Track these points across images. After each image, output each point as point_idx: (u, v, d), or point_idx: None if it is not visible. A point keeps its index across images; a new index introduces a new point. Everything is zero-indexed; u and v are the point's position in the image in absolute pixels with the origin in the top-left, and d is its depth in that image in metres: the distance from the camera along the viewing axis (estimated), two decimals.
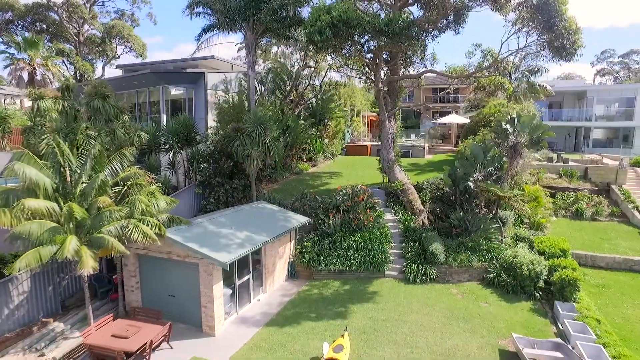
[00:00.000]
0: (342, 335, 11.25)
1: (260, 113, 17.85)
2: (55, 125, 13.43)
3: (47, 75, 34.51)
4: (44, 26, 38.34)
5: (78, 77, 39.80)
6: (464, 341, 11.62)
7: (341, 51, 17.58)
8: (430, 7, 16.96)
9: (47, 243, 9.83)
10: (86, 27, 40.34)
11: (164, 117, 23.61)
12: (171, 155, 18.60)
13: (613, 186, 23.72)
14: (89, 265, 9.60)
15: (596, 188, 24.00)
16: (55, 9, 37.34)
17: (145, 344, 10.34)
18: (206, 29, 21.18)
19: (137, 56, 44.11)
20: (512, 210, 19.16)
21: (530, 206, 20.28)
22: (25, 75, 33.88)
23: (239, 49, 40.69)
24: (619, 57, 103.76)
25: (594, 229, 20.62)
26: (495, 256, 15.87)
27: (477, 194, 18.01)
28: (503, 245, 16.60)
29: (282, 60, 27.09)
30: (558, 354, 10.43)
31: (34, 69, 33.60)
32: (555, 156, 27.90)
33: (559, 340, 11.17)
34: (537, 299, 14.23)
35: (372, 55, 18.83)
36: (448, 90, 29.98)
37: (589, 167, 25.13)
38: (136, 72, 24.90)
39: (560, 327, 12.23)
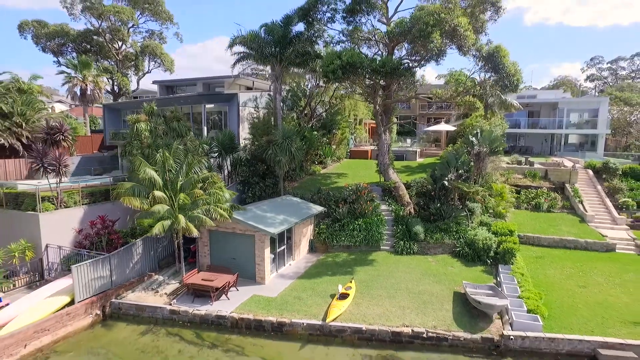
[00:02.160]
0: (350, 281, 17.10)
1: (287, 128, 23.71)
2: (149, 141, 19.33)
3: (96, 91, 40.59)
4: (89, 46, 44.30)
5: (117, 91, 45.75)
6: (431, 287, 17.42)
7: (347, 81, 23.40)
8: (415, 49, 22.71)
9: (166, 218, 15.69)
10: (124, 46, 46.27)
11: (205, 130, 29.44)
12: (220, 160, 24.45)
13: (567, 185, 29.38)
14: (194, 232, 15.50)
15: (554, 186, 29.71)
16: (101, 32, 43.38)
17: (225, 284, 16.20)
18: (240, 59, 27.10)
19: (164, 70, 50.06)
20: (479, 202, 24.89)
21: (496, 200, 26.01)
22: (78, 91, 39.98)
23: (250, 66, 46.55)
24: (607, 63, 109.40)
25: (546, 218, 26.32)
26: (462, 235, 21.62)
27: (451, 190, 23.79)
28: (469, 228, 22.35)
29: (297, 80, 32.76)
30: (490, 292, 16.21)
31: (86, 85, 39.62)
32: (523, 159, 33.57)
33: (492, 284, 16.96)
34: (488, 264, 20.00)
35: (371, 83, 24.62)
36: (433, 105, 35.56)
37: (549, 169, 30.86)
38: (185, 94, 30.75)
39: (498, 279, 18.01)
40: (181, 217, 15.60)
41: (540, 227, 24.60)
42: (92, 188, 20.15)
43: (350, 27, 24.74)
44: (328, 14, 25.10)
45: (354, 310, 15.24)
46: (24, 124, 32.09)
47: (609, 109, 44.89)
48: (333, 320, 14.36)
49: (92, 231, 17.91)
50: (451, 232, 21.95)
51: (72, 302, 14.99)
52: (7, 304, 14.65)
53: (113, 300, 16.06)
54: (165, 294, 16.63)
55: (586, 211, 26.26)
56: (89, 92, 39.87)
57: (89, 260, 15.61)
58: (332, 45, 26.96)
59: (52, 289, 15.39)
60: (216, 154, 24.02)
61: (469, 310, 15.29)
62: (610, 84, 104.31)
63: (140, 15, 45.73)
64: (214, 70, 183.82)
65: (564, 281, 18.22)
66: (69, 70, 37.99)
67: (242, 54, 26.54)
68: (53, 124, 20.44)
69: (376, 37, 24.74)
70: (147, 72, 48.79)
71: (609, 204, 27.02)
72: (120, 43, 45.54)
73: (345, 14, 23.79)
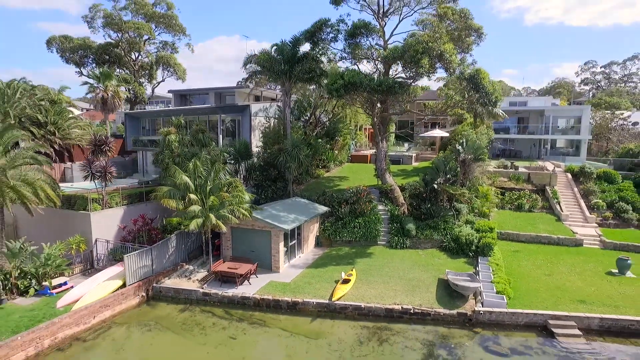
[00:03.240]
0: (351, 270, 20.38)
1: (295, 138, 26.98)
2: (179, 151, 22.62)
3: (116, 99, 43.89)
4: (107, 57, 47.64)
5: (133, 99, 49.08)
6: (420, 274, 20.67)
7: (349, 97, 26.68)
8: (408, 69, 25.95)
9: (199, 217, 18.96)
10: (140, 57, 49.63)
11: (220, 138, 32.70)
12: (237, 166, 27.72)
13: (547, 187, 32.62)
14: (223, 228, 18.80)
15: (535, 188, 32.97)
16: (120, 45, 46.73)
17: (247, 271, 19.48)
18: (253, 75, 30.45)
19: (176, 79, 53.40)
20: (465, 203, 28.11)
21: (481, 201, 29.24)
22: (99, 99, 43.32)
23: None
24: (600, 67, 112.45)
25: (527, 217, 29.57)
26: (448, 232, 24.86)
27: (440, 192, 27.03)
28: (455, 225, 25.59)
29: (302, 92, 35.94)
30: (468, 278, 19.45)
31: (107, 95, 42.91)
32: (509, 163, 36.78)
33: (471, 272, 20.20)
34: (470, 257, 23.24)
35: (370, 98, 27.85)
36: (425, 116, 38.73)
37: (532, 173, 34.11)
38: (204, 106, 34.08)
39: (477, 268, 21.26)
40: (212, 216, 18.87)
41: (520, 225, 27.84)
42: (129, 190, 23.45)
43: (351, 47, 28.00)
44: (331, 35, 28.34)
45: (355, 292, 18.51)
46: (56, 132, 35.57)
47: (591, 116, 48.11)
48: (337, 300, 17.63)
49: (134, 227, 21.21)
50: (439, 229, 25.21)
51: (123, 285, 18.27)
52: (72, 286, 17.94)
53: (154, 285, 19.35)
54: (197, 280, 19.92)
55: (562, 211, 29.51)
56: (109, 101, 43.24)
57: (136, 251, 18.92)
58: (335, 61, 30.31)
59: (105, 275, 18.67)
60: (233, 161, 27.29)
61: (450, 293, 18.55)
62: (604, 87, 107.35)
63: (155, 28, 49.06)
64: (214, 71, 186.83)
65: (534, 270, 21.46)
66: (91, 81, 41.19)
67: (255, 71, 29.87)
68: (100, 136, 23.65)
69: (374, 54, 28.02)
70: (161, 81, 52.17)
71: (583, 204, 30.25)
72: (136, 54, 48.92)
73: (347, 37, 27.04)
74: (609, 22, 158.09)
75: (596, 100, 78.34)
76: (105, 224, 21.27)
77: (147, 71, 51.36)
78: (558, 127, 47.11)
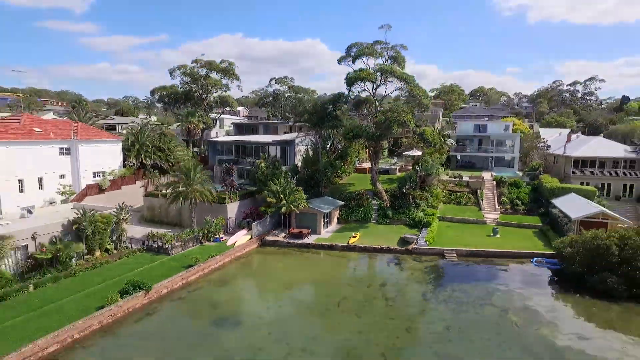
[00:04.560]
0: (357, 233, 41.05)
1: (324, 162, 47.56)
2: (267, 172, 43.21)
3: (197, 129, 64.66)
4: (185, 97, 68.49)
5: (203, 127, 69.78)
6: (392, 235, 41.22)
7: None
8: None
9: (283, 207, 39.58)
10: (208, 97, 70.52)
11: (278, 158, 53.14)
12: (290, 179, 48.20)
13: (479, 190, 53.00)
14: (296, 211, 39.54)
15: (471, 190, 53.38)
16: (196, 90, 67.77)
17: (307, 232, 40.18)
18: (300, 126, 51.10)
19: (229, 109, 74.11)
20: (423, 200, 48.36)
21: (433, 198, 49.64)
22: (186, 130, 64.11)
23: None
24: (567, 86, 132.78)
25: (462, 208, 50.02)
26: (410, 216, 45.31)
27: (407, 193, 47.47)
28: (414, 212, 45.97)
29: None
30: (414, 236, 39.86)
31: (191, 127, 63.67)
32: (457, 174, 57.08)
33: (416, 234, 40.65)
34: (419, 228, 43.64)
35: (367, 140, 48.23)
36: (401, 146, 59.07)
37: (470, 181, 54.50)
38: (267, 139, 54.57)
39: (421, 233, 41.69)
40: (291, 206, 39.46)
41: (456, 213, 48.26)
42: (240, 192, 44.06)
43: (356, 109, 48.50)
44: (344, 100, 48.87)
45: (358, 242, 39.10)
46: (168, 154, 56.50)
47: (522, 138, 68.02)
48: (350, 243, 38.23)
49: (249, 211, 41.88)
50: (405, 214, 45.70)
51: (250, 238, 38.92)
52: (225, 238, 38.55)
53: (262, 239, 39.99)
54: (281, 236, 40.61)
55: (482, 205, 49.95)
56: (192, 131, 64.10)
57: (255, 222, 39.58)
58: (346, 113, 50.82)
59: (239, 234, 39.24)
60: (289, 176, 47.89)
61: (404, 242, 39.06)
62: (568, 102, 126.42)
63: (218, 76, 69.88)
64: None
65: (452, 234, 41.92)
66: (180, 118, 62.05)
67: (302, 125, 50.47)
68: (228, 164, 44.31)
69: (370, 118, 48.46)
70: (221, 113, 72.87)
71: (496, 201, 50.62)
72: (206, 95, 69.77)
73: (353, 106, 47.51)
74: (613, 20, 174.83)
75: (549, 119, 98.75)
76: (232, 209, 41.88)
77: (212, 107, 72.15)
78: (501, 147, 67.43)
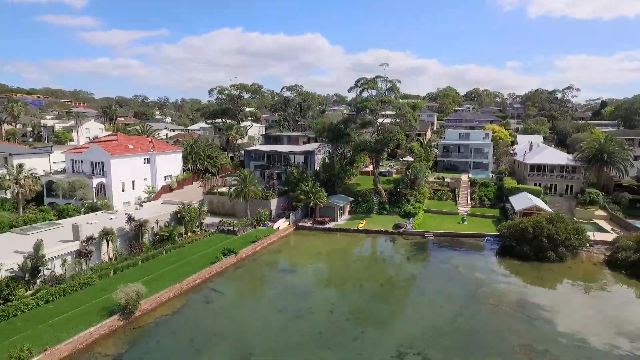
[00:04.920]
0: (363, 220, 57.31)
1: (338, 167, 63.64)
2: (298, 176, 59.26)
3: (235, 140, 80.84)
4: (221, 113, 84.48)
5: (237, 137, 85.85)
6: (389, 221, 57.42)
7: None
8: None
9: (310, 202, 55.77)
10: (241, 111, 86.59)
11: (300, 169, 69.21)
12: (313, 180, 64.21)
13: (456, 189, 69.23)
14: (321, 204, 55.81)
15: (450, 189, 69.59)
16: (231, 108, 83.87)
17: (328, 219, 56.44)
18: (314, 139, 67.23)
19: (255, 121, 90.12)
20: (412, 196, 64.41)
21: (420, 195, 65.83)
22: (225, 140, 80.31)
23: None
24: (547, 93, 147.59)
25: (442, 203, 66.38)
26: (402, 208, 61.45)
27: (400, 192, 63.55)
28: (405, 206, 62.08)
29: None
30: (403, 222, 56.00)
31: (230, 138, 79.85)
32: (441, 176, 73.10)
33: (406, 221, 56.81)
34: (408, 217, 59.80)
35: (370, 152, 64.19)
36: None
37: (450, 182, 70.69)
38: (293, 150, 70.73)
39: (410, 220, 57.82)
40: (317, 201, 55.61)
41: (437, 206, 64.50)
42: (278, 191, 60.21)
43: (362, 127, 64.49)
44: (353, 121, 64.86)
45: (364, 227, 55.30)
46: (215, 161, 72.85)
47: (494, 146, 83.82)
48: (359, 227, 54.47)
49: (286, 205, 58.06)
50: (399, 207, 61.86)
51: (288, 224, 55.09)
52: (271, 224, 54.70)
53: (296, 225, 56.20)
54: (310, 223, 56.86)
55: (458, 200, 66.18)
56: (231, 141, 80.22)
57: (292, 212, 55.78)
58: (354, 130, 66.85)
59: (281, 221, 55.37)
60: (313, 179, 63.87)
61: (397, 226, 55.23)
62: (547, 109, 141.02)
63: (247, 94, 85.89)
64: (217, 65, 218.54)
65: (432, 222, 58.08)
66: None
67: (322, 140, 66.56)
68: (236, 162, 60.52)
69: (373, 135, 64.39)
70: (251, 126, 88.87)
71: (468, 197, 66.78)
72: (239, 111, 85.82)
73: (360, 125, 63.48)
74: (613, 15, 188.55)
75: (525, 127, 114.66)
76: (273, 203, 58.03)
77: (243, 119, 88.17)
78: (478, 154, 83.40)
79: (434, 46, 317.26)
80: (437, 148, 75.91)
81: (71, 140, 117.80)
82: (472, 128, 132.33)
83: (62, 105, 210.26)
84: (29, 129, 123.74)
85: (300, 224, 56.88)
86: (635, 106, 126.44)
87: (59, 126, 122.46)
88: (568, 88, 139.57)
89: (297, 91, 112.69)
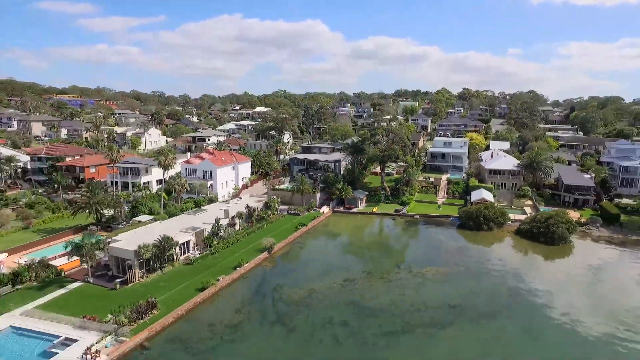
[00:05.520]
0: (376, 206, 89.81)
1: (357, 171, 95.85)
2: (333, 178, 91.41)
3: (283, 150, 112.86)
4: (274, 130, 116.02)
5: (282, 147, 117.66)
6: (391, 209, 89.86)
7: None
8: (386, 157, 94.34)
9: (342, 195, 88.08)
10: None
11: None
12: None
13: (438, 185, 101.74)
14: (349, 196, 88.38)
15: (434, 185, 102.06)
16: (280, 123, 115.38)
17: (352, 207, 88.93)
18: (345, 153, 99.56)
19: (290, 132, 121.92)
20: (407, 191, 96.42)
21: (412, 190, 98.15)
22: (274, 151, 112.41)
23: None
24: (520, 104, 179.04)
25: (428, 196, 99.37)
26: (400, 199, 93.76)
27: (399, 188, 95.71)
28: (402, 197, 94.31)
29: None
30: (400, 208, 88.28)
31: (278, 148, 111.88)
32: (428, 176, 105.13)
33: (403, 208, 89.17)
34: (404, 205, 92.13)
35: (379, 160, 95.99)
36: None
37: (433, 180, 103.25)
38: (325, 159, 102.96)
39: (405, 207, 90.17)
40: (345, 195, 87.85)
41: (424, 198, 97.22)
42: (319, 187, 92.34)
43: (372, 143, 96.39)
44: (366, 139, 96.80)
45: (376, 211, 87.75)
46: (271, 166, 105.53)
47: (469, 152, 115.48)
48: (373, 211, 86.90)
49: (325, 197, 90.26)
50: (398, 198, 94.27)
51: (328, 209, 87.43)
52: (318, 210, 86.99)
53: (333, 210, 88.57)
54: (342, 209, 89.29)
55: (438, 194, 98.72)
56: (279, 150, 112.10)
57: (330, 202, 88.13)
58: (369, 146, 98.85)
59: (324, 208, 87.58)
60: (342, 180, 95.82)
61: (397, 211, 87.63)
62: (520, 117, 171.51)
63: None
64: (216, 52, 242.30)
65: (421, 208, 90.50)
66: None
67: (346, 153, 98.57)
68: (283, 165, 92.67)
69: (379, 143, 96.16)
70: (289, 140, 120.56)
71: (445, 192, 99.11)
72: (282, 128, 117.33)
73: (372, 142, 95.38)
74: (615, 1, 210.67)
75: (498, 135, 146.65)
76: (318, 196, 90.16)
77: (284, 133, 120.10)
78: (456, 159, 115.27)
79: (435, 33, 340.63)
80: (425, 156, 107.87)
81: (140, 144, 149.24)
82: (458, 132, 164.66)
83: (104, 106, 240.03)
84: (105, 135, 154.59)
85: (336, 209, 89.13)
86: (589, 115, 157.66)
87: (129, 133, 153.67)
88: (538, 99, 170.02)
89: (312, 98, 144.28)
